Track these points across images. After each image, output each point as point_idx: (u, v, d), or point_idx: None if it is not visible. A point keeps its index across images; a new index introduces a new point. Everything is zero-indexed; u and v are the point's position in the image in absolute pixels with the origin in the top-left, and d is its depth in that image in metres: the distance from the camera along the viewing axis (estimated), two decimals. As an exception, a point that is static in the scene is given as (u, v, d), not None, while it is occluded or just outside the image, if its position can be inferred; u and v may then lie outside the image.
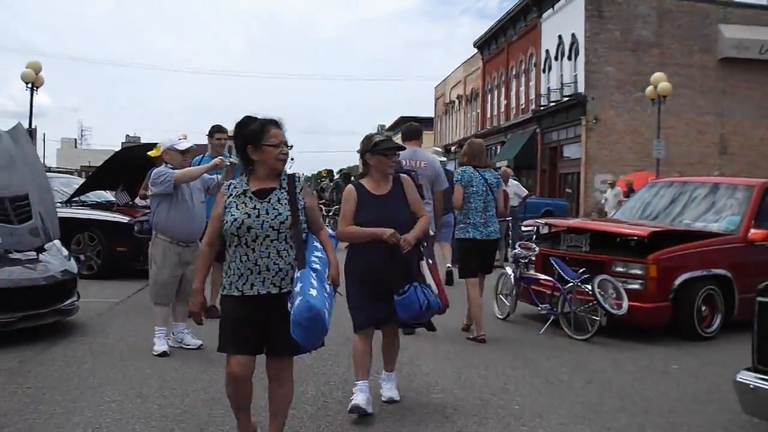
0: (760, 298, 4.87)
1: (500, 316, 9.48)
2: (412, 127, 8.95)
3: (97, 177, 14.66)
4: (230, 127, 5.73)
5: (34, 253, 8.00)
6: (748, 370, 4.91)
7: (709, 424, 5.48)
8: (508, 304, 9.45)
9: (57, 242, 8.51)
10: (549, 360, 7.33)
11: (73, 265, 8.52)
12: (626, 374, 6.88)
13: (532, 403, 5.84)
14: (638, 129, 31.76)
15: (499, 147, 44.14)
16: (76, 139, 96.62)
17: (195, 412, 5.38)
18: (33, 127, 23.82)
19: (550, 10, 36.87)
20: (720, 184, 10.26)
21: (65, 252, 8.69)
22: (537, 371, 6.86)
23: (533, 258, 9.32)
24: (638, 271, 8.31)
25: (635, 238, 8.85)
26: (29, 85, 23.55)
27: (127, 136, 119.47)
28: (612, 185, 23.94)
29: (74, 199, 13.46)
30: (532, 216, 17.69)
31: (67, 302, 7.93)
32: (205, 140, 9.63)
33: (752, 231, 8.88)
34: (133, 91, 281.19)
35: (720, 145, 33.62)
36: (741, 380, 4.89)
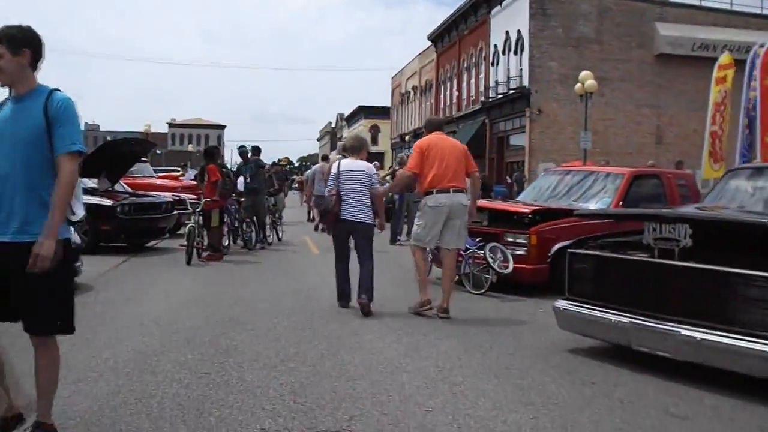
0: (569, 250, 7.18)
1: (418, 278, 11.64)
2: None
3: (83, 166, 16.72)
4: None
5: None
6: (562, 298, 7.20)
7: (549, 342, 7.69)
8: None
9: (65, 219, 10.56)
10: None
11: (77, 237, 10.61)
12: (503, 314, 9.20)
13: (420, 326, 8.11)
14: (579, 120, 33.42)
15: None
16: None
17: (185, 329, 7.56)
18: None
19: (498, 7, 39.01)
20: (601, 172, 12.55)
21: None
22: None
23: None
24: (523, 241, 10.60)
25: (523, 214, 11.11)
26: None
27: (86, 124, 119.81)
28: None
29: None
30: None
31: (76, 264, 10.02)
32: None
33: (619, 210, 11.16)
34: (87, 79, 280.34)
35: (656, 136, 35.98)
36: (555, 305, 7.20)
